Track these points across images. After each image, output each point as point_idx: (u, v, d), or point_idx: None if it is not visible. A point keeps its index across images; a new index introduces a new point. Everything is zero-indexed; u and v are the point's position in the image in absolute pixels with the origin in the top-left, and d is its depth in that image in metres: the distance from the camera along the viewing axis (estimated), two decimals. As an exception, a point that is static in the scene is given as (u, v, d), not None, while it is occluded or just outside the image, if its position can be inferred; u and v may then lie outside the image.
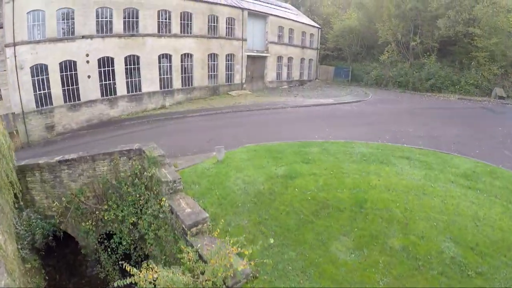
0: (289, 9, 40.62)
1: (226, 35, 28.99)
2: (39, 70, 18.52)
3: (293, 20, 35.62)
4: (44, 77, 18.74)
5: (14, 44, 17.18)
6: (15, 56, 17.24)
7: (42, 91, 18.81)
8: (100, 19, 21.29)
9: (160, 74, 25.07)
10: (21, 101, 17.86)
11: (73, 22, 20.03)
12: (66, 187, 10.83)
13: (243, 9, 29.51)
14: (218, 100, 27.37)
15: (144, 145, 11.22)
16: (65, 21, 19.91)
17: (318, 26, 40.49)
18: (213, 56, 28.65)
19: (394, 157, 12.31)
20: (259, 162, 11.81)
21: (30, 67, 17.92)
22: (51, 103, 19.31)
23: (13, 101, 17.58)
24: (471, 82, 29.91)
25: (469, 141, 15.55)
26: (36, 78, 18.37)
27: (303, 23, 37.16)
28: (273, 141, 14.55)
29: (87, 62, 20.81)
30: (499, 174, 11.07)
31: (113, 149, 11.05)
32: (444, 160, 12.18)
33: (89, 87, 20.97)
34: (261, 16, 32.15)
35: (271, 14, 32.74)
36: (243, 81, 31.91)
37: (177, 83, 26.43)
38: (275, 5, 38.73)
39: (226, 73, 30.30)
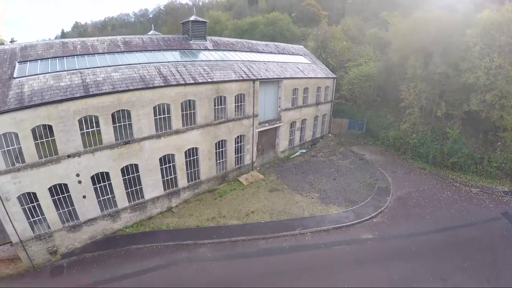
0: (301, 54, 35.73)
1: (235, 115, 24.44)
2: (28, 199, 16.28)
3: (308, 77, 30.88)
4: (35, 204, 16.49)
5: (-9, 176, 14.60)
6: (-4, 188, 14.89)
7: (36, 218, 16.75)
8: (85, 131, 17.14)
9: (163, 177, 21.27)
10: (16, 231, 16.12)
11: (53, 140, 16.16)
12: None
13: (254, 80, 24.83)
14: (226, 202, 23.37)
15: None
16: (44, 140, 16.01)
17: (334, 75, 35.86)
18: (221, 143, 24.29)
19: None
20: None
21: (17, 197, 15.63)
22: (49, 228, 17.33)
23: (8, 231, 16.01)
24: (494, 164, 26.25)
25: None
26: (26, 206, 16.19)
27: (319, 77, 32.42)
28: None
29: (79, 182, 17.50)
30: None
31: None
32: None
33: (87, 207, 18.23)
34: (274, 81, 27.41)
35: (285, 78, 28.01)
36: (254, 159, 27.53)
37: (182, 182, 22.61)
38: (288, 52, 33.91)
39: (235, 157, 26.01)
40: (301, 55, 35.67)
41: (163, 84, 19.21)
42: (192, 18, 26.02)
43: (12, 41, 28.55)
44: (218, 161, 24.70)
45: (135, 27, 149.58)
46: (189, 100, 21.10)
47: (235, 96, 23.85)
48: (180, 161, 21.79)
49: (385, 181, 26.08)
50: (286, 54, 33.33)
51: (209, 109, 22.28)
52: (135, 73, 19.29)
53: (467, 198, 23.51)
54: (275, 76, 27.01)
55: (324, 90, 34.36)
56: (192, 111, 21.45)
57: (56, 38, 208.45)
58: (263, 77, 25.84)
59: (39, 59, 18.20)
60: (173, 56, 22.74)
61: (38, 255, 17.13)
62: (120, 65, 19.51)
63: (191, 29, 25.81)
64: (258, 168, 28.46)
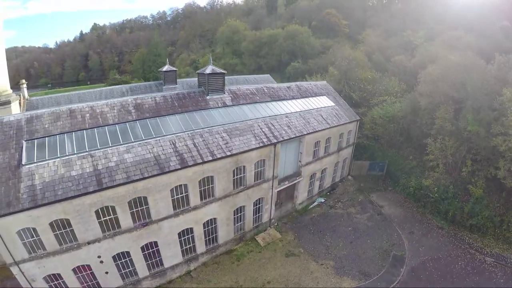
0: (324, 93, 34.15)
1: (254, 181, 23.59)
2: (53, 279, 16.79)
3: (331, 127, 29.47)
4: (60, 281, 17.00)
5: (16, 263, 15.33)
6: (22, 273, 15.64)
7: (62, 293, 17.25)
8: (103, 219, 17.02)
9: (182, 247, 21.18)
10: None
11: (72, 230, 16.25)
12: None
13: (275, 143, 23.78)
14: (244, 267, 23.00)
15: None
16: (63, 230, 16.06)
17: (358, 117, 34.28)
18: (239, 209, 23.72)
19: None
20: None
21: (43, 278, 16.32)
22: (74, 301, 17.69)
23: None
24: (513, 231, 24.83)
25: None
26: (52, 283, 16.77)
27: (342, 124, 30.96)
28: None
29: (101, 262, 17.71)
30: None
31: None
32: None
33: (109, 280, 18.53)
34: (296, 139, 26.24)
35: (308, 133, 26.75)
36: (271, 216, 26.67)
37: (201, 248, 22.47)
38: (311, 94, 32.54)
39: (253, 217, 25.39)
40: (324, 94, 34.18)
41: (180, 166, 18.55)
42: (208, 70, 24.74)
43: (21, 83, 28.59)
44: (236, 225, 24.14)
45: (153, 30, 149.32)
46: (208, 177, 20.40)
47: (255, 163, 22.96)
48: (198, 231, 21.53)
49: (401, 247, 25.22)
50: (309, 96, 31.94)
51: (228, 181, 21.55)
52: (149, 152, 18.63)
53: (480, 270, 22.79)
54: (297, 134, 25.93)
55: (346, 134, 32.96)
56: (210, 185, 20.71)
57: (74, 39, 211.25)
58: (285, 137, 24.81)
59: (47, 136, 17.82)
60: (189, 121, 21.85)
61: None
62: (132, 142, 18.88)
63: (208, 82, 24.66)
64: (276, 224, 27.66)
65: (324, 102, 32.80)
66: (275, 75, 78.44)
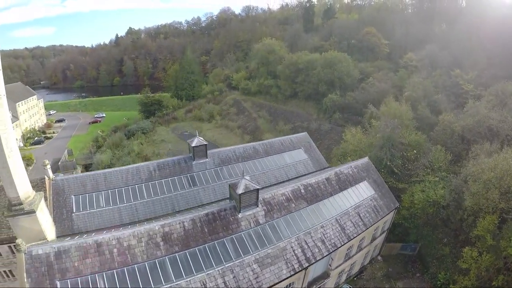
0: (364, 176, 32.41)
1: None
2: None
3: (369, 226, 28.04)
4: None
5: None
6: None
7: None
8: None
9: None
10: None
11: None
12: None
13: (307, 267, 23.11)
14: None
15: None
16: None
17: (397, 204, 32.40)
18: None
19: None
20: None
21: None
22: None
23: None
24: None
25: None
26: None
27: (380, 220, 29.33)
28: None
29: None
30: None
31: None
32: None
33: None
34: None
35: (342, 245, 25.62)
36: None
37: None
38: (351, 182, 31.01)
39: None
40: (365, 178, 32.43)
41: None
42: (240, 190, 23.56)
43: (44, 164, 28.39)
44: None
45: (188, 37, 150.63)
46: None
47: (284, 288, 22.40)
48: None
49: None
50: (347, 187, 30.38)
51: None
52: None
53: None
54: (331, 249, 25.00)
55: (382, 226, 31.24)
56: (239, 329, 20.43)
57: (110, 42, 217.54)
58: (318, 257, 24.02)
59: (78, 277, 18.06)
60: (220, 254, 21.49)
61: None
62: (163, 286, 18.96)
63: (241, 200, 23.77)
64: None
65: (363, 191, 31.06)
66: (311, 104, 76.39)
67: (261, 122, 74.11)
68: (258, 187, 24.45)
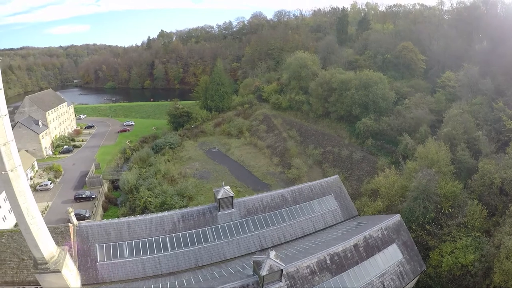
0: (394, 239, 32.23)
1: None
2: None
3: (392, 297, 28.18)
4: None
5: None
6: None
7: None
8: None
9: None
10: None
11: None
12: None
13: None
14: None
15: None
16: None
17: (424, 267, 32.13)
18: None
19: None
20: None
21: None
22: None
23: None
24: None
25: None
26: None
27: (404, 286, 29.28)
28: None
29: None
30: None
31: None
32: None
33: None
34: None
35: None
36: None
37: None
38: (379, 245, 30.72)
39: None
40: (394, 241, 31.92)
41: None
42: (264, 271, 23.68)
43: (68, 212, 29.64)
44: None
45: (219, 42, 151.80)
46: None
47: None
48: None
49: None
50: (375, 253, 30.07)
51: None
52: None
53: None
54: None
55: (408, 290, 31.05)
56: None
57: (142, 44, 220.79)
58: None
59: None
60: None
61: None
62: None
63: (264, 279, 23.88)
64: None
65: (391, 256, 30.71)
66: (343, 126, 74.84)
67: (290, 144, 74.01)
68: (282, 266, 24.69)
